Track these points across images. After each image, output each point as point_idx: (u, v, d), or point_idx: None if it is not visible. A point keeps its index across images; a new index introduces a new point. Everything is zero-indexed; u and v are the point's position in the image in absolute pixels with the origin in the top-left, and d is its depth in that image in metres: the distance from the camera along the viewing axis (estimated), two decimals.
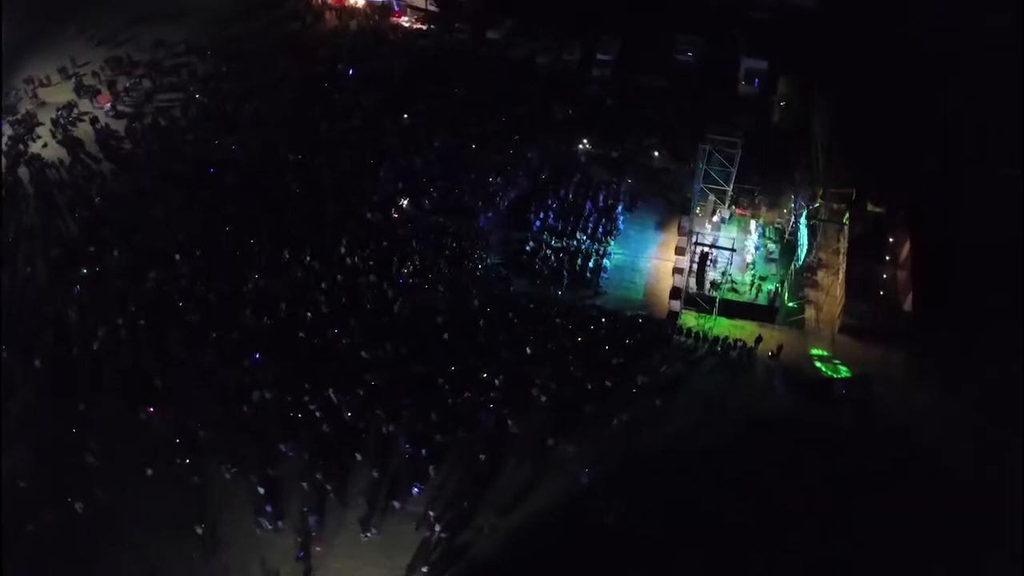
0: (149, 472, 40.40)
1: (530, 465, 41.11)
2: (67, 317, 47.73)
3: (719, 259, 48.22)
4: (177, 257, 51.24)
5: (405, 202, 55.65)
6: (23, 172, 59.20)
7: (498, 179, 57.29)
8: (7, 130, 62.96)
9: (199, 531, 38.23)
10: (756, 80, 64.87)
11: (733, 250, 46.58)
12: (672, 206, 56.19)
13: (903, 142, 56.77)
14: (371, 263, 51.36)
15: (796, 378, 44.97)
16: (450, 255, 51.90)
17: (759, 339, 46.50)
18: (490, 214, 55.50)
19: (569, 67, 68.45)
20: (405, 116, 62.69)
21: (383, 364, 45.19)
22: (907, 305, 47.22)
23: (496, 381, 44.22)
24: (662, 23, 70.25)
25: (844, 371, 45.52)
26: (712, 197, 53.05)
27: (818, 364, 46.01)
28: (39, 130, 63.26)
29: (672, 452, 41.62)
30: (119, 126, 63.33)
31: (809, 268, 50.82)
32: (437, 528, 38.38)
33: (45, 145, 62.07)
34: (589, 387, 44.20)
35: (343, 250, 52.11)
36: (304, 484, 40.17)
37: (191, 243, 52.33)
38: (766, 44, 66.89)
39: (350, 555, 38.05)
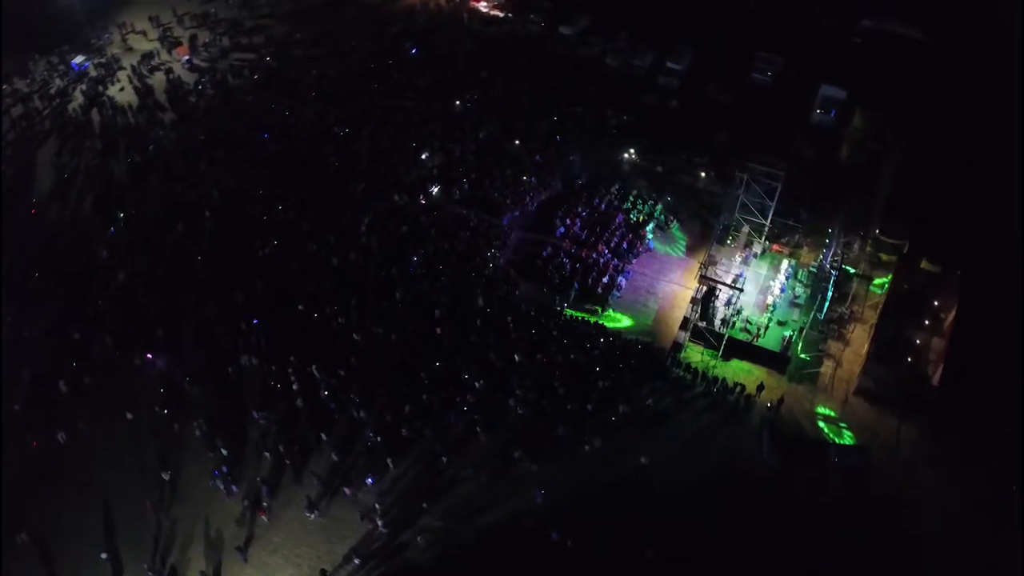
0: (129, 416, 42.20)
1: (488, 476, 40.18)
2: (96, 256, 50.26)
3: (733, 296, 45.04)
4: (207, 214, 52.96)
5: (435, 189, 55.18)
6: (95, 114, 62.51)
7: (532, 178, 55.83)
8: (91, 71, 66.67)
9: (165, 477, 39.65)
10: (833, 110, 60.33)
11: (740, 289, 43.45)
12: (708, 230, 53.15)
13: (979, 202, 51.41)
14: (386, 245, 51.26)
15: (792, 435, 41.75)
16: (464, 249, 51.06)
17: (760, 386, 43.44)
18: (516, 213, 54.25)
19: (636, 72, 65.84)
20: (457, 103, 62.07)
21: (371, 349, 45.18)
22: (935, 379, 42.90)
23: (476, 384, 43.38)
24: (746, 37, 66.45)
25: (848, 436, 41.94)
26: (746, 228, 49.78)
27: (821, 424, 42.56)
28: (120, 75, 66.57)
29: (638, 489, 39.60)
30: (190, 79, 65.81)
31: (839, 320, 46.96)
32: (380, 522, 38.16)
33: (122, 89, 65.31)
34: (568, 407, 42.65)
35: (363, 228, 52.32)
36: (266, 454, 40.83)
37: (223, 201, 53.97)
38: (851, 72, 62.12)
39: (292, 532, 38.39)
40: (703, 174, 55.62)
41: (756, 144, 57.73)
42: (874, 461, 40.38)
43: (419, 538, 37.85)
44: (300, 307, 47.08)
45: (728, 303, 44.65)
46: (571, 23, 69.49)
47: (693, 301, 47.26)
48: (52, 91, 64.81)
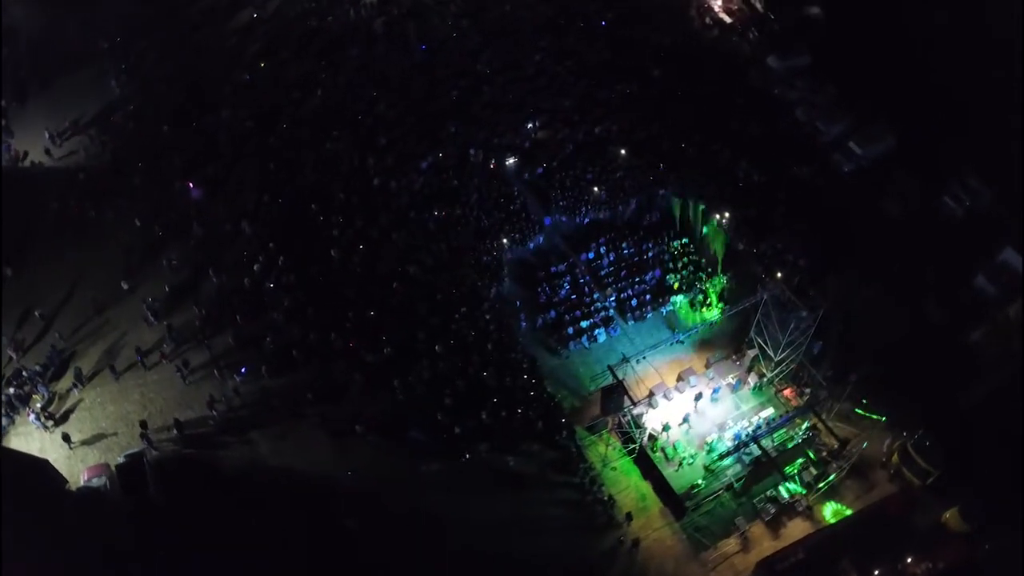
0: (137, 223, 48.76)
1: (326, 434, 40.51)
2: (221, 91, 56.77)
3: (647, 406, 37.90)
4: (319, 92, 56.66)
5: (512, 160, 53.19)
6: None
7: (604, 193, 51.16)
8: None
9: (124, 286, 45.89)
10: (1002, 280, 46.22)
11: (634, 401, 36.39)
12: (736, 333, 45.19)
13: None
14: (426, 189, 51.11)
15: None
16: (487, 226, 49.16)
17: (629, 516, 37.40)
18: (563, 218, 50.58)
19: (815, 136, 55.72)
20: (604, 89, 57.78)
21: (333, 270, 46.42)
22: None
23: (385, 351, 43.00)
24: (964, 150, 52.26)
25: None
26: (753, 352, 41.30)
27: None
28: None
29: (433, 531, 37.27)
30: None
31: (785, 507, 38.03)
32: (216, 413, 40.71)
33: None
34: (438, 418, 40.64)
35: (423, 166, 52.55)
36: (196, 308, 44.94)
37: (341, 88, 57.14)
38: None
39: (162, 380, 42.79)
40: (779, 274, 46.49)
41: (876, 273, 47.07)
42: None
43: (236, 446, 39.89)
44: (313, 206, 49.53)
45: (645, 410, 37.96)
46: (784, 57, 60.07)
47: (650, 393, 40.94)
48: None
